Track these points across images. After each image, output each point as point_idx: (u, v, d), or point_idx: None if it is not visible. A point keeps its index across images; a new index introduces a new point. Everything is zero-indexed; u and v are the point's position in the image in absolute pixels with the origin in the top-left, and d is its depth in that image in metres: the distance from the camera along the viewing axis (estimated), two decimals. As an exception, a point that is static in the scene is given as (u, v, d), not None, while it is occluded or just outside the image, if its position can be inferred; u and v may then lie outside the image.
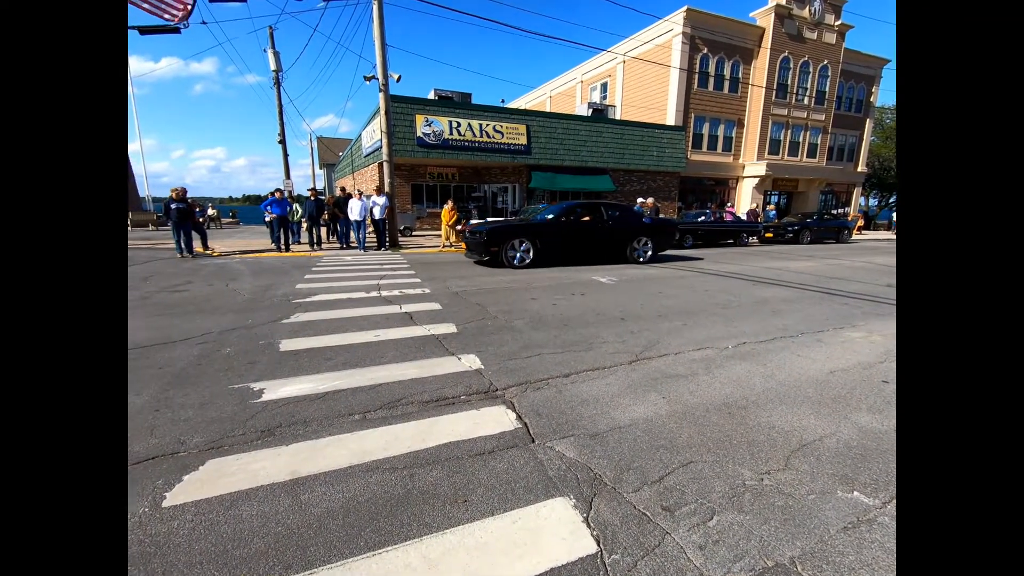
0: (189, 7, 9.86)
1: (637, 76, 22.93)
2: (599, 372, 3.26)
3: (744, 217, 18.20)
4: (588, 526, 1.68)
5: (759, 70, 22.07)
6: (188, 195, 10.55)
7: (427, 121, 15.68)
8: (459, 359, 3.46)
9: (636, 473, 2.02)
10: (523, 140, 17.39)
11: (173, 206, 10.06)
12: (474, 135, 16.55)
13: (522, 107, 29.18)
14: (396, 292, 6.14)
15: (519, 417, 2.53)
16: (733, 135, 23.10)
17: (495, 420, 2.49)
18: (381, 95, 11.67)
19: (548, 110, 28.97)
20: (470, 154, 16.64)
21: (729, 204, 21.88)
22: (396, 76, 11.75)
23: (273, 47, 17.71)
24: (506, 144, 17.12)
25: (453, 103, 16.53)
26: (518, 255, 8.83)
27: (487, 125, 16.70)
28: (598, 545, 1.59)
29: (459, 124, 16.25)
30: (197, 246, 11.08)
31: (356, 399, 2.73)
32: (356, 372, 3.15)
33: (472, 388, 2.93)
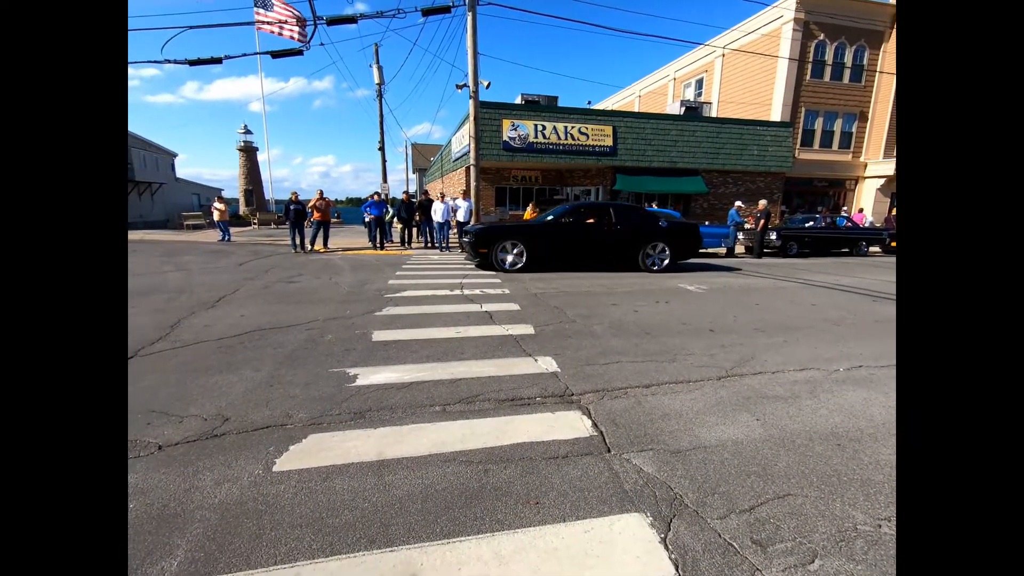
0: (311, 31, 11.15)
1: (738, 70, 21.24)
2: (683, 386, 3.06)
3: (879, 224, 15.94)
4: (666, 547, 1.59)
5: (889, 55, 19.19)
6: (301, 197, 11.93)
7: (513, 125, 16.01)
8: (536, 361, 3.47)
9: (722, 499, 1.86)
10: (609, 141, 17.01)
11: (292, 208, 11.45)
12: (559, 138, 16.55)
13: (609, 108, 28.57)
14: (477, 291, 6.34)
15: (595, 425, 2.47)
16: (853, 130, 20.34)
17: (570, 425, 2.46)
18: (471, 102, 12.16)
19: (636, 110, 28.01)
20: (554, 156, 16.67)
21: (845, 207, 19.34)
22: (486, 83, 12.16)
23: (377, 62, 19.34)
24: (591, 146, 16.89)
25: (539, 107, 16.69)
26: (509, 258, 8.38)
27: (572, 127, 16.60)
28: (677, 571, 1.49)
29: (544, 127, 16.36)
30: (318, 245, 12.39)
31: (437, 391, 2.86)
32: (438, 366, 3.31)
33: (547, 391, 2.92)
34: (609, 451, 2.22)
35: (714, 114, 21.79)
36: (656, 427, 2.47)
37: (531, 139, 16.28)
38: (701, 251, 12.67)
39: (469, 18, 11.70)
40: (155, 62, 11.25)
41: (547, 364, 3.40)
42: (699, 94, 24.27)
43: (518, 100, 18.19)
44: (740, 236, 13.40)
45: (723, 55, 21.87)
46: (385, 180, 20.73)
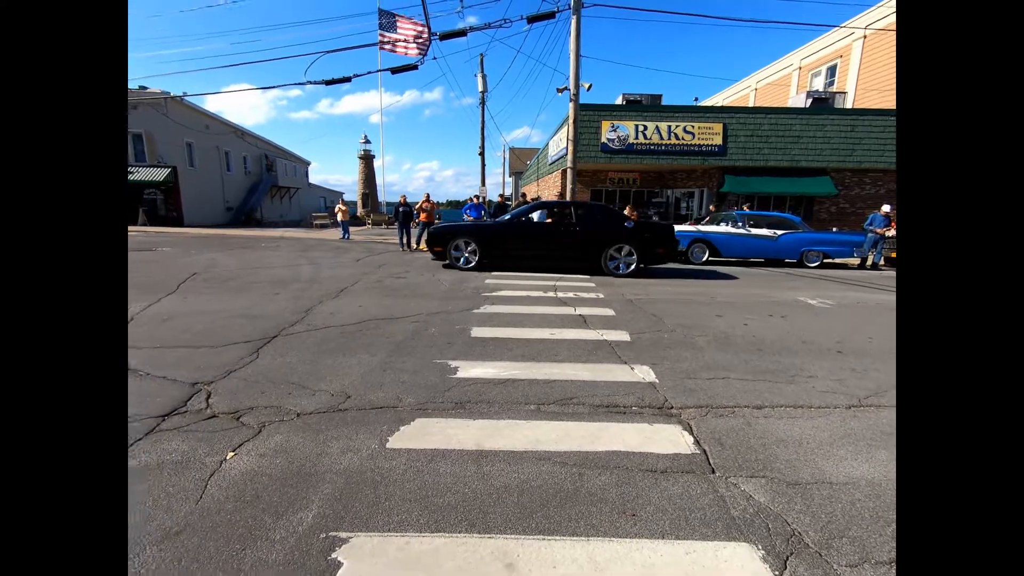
0: (426, 46, 12.10)
1: (883, 52, 18.31)
2: (804, 411, 2.74)
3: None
4: (781, 587, 1.44)
5: None
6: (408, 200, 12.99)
7: (613, 126, 15.66)
8: (632, 369, 3.36)
9: (854, 545, 1.63)
10: (718, 140, 15.79)
11: (401, 210, 12.53)
12: (661, 137, 15.80)
13: (718, 104, 26.46)
14: (571, 295, 6.33)
15: (697, 442, 2.32)
16: None
17: (669, 439, 2.35)
18: (571, 104, 12.17)
19: (752, 104, 25.58)
20: (655, 158, 15.95)
21: None
22: (587, 85, 12.07)
23: (482, 71, 20.27)
24: (697, 145, 15.83)
25: (641, 106, 16.11)
26: (463, 256, 8.49)
27: (676, 126, 15.73)
28: (794, 614, 1.34)
29: (645, 127, 15.74)
30: (423, 244, 13.44)
31: (532, 390, 2.92)
32: (533, 365, 3.38)
33: (644, 401, 2.81)
34: (713, 472, 2.07)
35: (849, 105, 19.05)
36: (770, 453, 2.24)
37: (631, 140, 15.79)
38: (828, 261, 11.16)
39: (573, 21, 11.72)
40: (299, 84, 13.11)
41: (644, 373, 3.28)
42: (830, 83, 21.40)
43: (619, 100, 17.76)
44: (882, 245, 11.20)
45: (864, 36, 19.02)
46: (483, 184, 21.66)
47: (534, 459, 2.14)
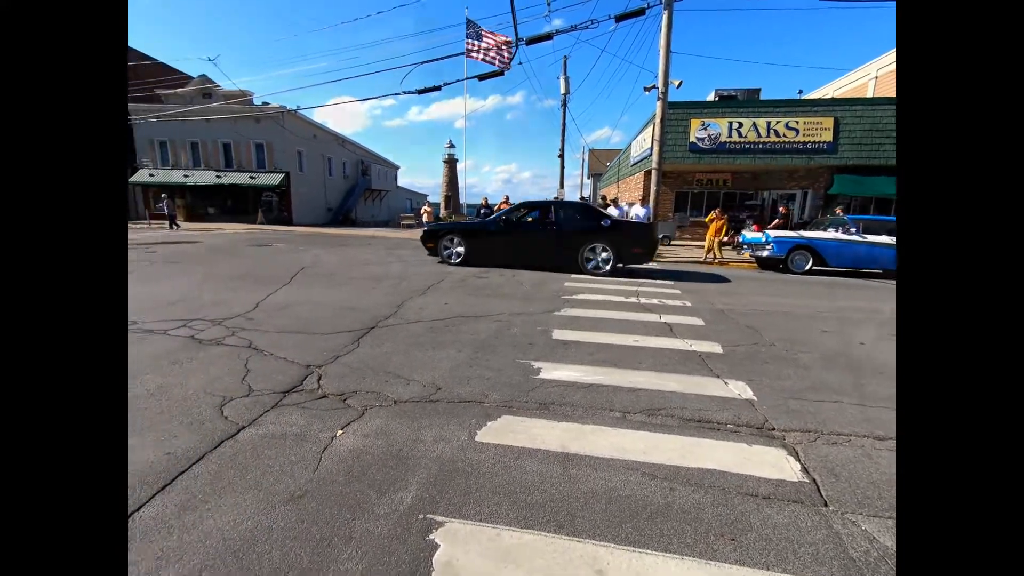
0: (511, 54, 12.37)
1: None
2: (939, 448, 2.36)
3: None
4: (917, 646, 1.26)
5: None
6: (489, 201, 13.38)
7: (703, 124, 14.77)
8: (725, 383, 3.15)
9: (1014, 612, 1.38)
10: (827, 136, 14.19)
11: (483, 211, 12.96)
12: (758, 135, 14.57)
13: (828, 96, 23.73)
14: (654, 301, 6.08)
15: (805, 470, 2.11)
16: None
17: (771, 464, 2.16)
18: (659, 103, 11.69)
19: (871, 95, 22.64)
20: (750, 157, 14.77)
21: None
22: (677, 82, 11.52)
23: (565, 73, 20.23)
24: (801, 143, 14.36)
25: (736, 102, 15.02)
26: (452, 252, 9.00)
27: (777, 123, 14.40)
28: None
29: (740, 125, 14.62)
30: None
31: (616, 397, 2.86)
32: (616, 372, 3.30)
33: (741, 419, 2.62)
34: (826, 505, 1.87)
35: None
36: (896, 491, 1.97)
37: (723, 139, 14.78)
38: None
39: (664, 16, 11.25)
40: (394, 94, 14.13)
41: (739, 389, 3.05)
42: None
43: (710, 97, 16.71)
44: None
45: None
46: (562, 186, 21.60)
47: (621, 468, 2.09)
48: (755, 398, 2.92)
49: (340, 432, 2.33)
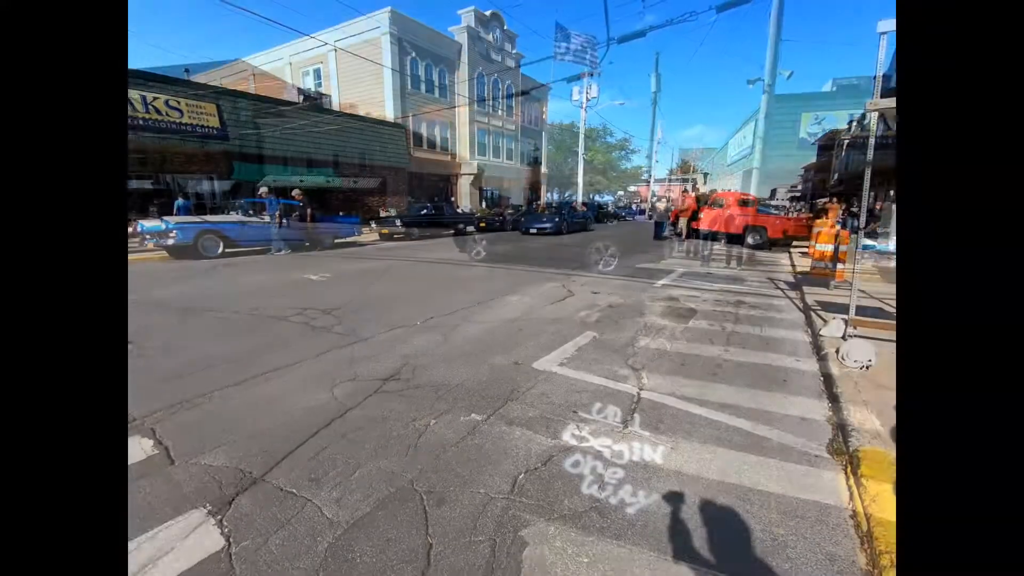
0: (599, 56, 12.22)
1: (352, 68, 19.69)
2: None
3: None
4: None
5: (462, 81, 22.33)
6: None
7: (816, 118, 13.29)
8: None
9: None
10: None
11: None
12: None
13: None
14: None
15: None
16: (449, 136, 23.18)
17: None
18: (764, 96, 10.74)
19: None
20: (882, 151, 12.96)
21: (453, 197, 21.89)
22: (787, 73, 10.50)
23: (656, 70, 19.44)
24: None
25: (860, 90, 13.27)
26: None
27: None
28: None
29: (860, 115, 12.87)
30: None
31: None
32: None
33: None
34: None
35: (336, 107, 19.19)
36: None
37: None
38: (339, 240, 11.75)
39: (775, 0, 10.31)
40: (484, 100, 14.64)
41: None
42: (319, 84, 21.66)
43: (827, 87, 14.98)
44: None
45: (335, 50, 19.59)
46: (648, 186, 20.76)
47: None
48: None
49: (433, 422, 2.47)
